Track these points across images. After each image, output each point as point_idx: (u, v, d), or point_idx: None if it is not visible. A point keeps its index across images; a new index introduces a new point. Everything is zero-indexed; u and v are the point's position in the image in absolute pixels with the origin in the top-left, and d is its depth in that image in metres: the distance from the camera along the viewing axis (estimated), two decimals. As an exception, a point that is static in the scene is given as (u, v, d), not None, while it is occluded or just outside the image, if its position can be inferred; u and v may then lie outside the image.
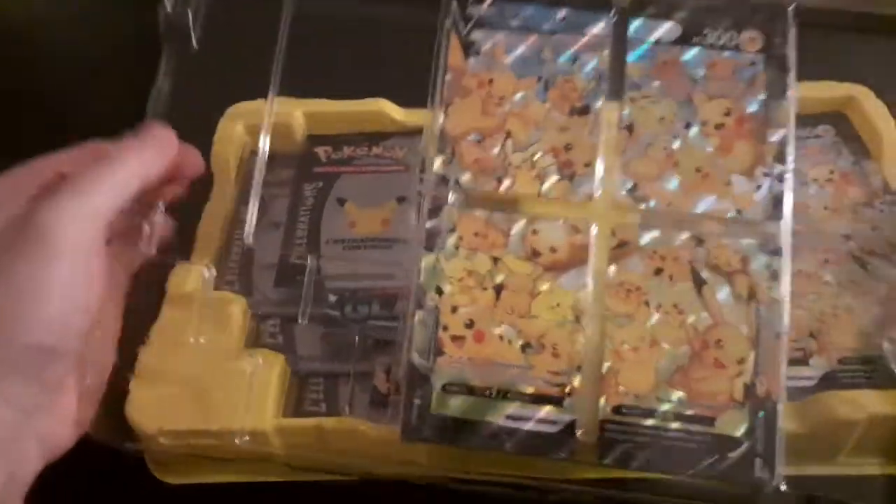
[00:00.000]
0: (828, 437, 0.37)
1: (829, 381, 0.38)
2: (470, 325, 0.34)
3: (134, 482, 0.39)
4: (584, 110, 0.36)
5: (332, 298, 0.41)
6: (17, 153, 0.53)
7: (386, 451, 0.37)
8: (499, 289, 0.35)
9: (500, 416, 0.33)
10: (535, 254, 0.35)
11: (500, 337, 0.34)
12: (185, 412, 0.36)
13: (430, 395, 0.34)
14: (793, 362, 0.39)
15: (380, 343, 0.40)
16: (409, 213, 0.39)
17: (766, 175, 0.36)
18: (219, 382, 0.37)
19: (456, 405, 0.34)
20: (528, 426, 0.33)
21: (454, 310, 0.35)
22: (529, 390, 0.34)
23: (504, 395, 0.34)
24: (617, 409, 0.34)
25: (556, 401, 0.33)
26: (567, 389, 0.34)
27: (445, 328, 0.34)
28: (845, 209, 0.45)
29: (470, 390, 0.34)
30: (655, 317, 0.35)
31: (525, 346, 0.34)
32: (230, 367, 0.38)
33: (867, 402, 0.36)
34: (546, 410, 0.33)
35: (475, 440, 0.33)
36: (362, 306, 0.41)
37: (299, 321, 0.41)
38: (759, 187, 0.36)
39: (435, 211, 0.35)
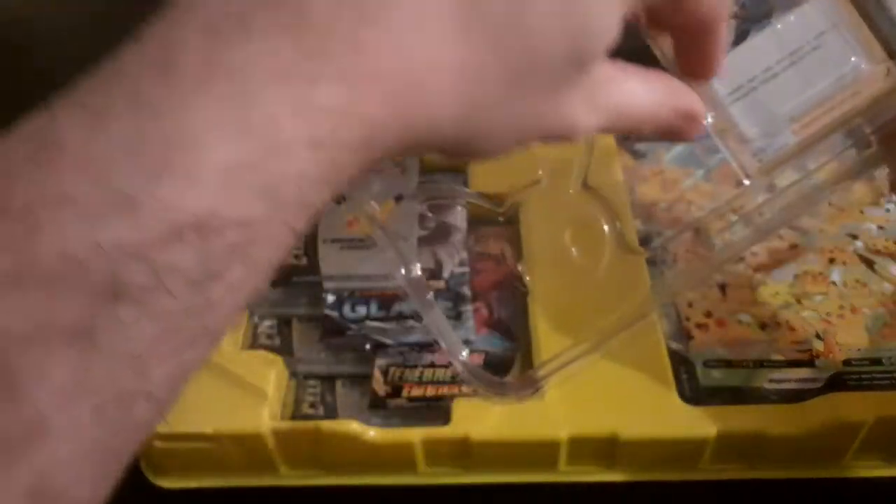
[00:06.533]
0: (834, 438, 0.36)
1: (835, 383, 0.38)
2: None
3: (129, 485, 0.38)
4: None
5: (330, 299, 0.41)
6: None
7: (384, 454, 0.36)
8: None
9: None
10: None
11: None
12: (180, 415, 0.36)
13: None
14: (798, 363, 0.39)
15: (378, 344, 0.40)
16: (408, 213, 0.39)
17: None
18: (215, 384, 0.37)
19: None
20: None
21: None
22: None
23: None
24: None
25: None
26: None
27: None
28: (852, 208, 0.45)
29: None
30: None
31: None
32: (227, 368, 0.37)
33: (873, 404, 0.36)
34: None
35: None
36: (360, 306, 0.41)
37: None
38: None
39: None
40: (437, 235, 0.43)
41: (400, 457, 0.36)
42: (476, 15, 0.18)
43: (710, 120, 0.28)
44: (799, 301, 0.41)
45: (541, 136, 0.22)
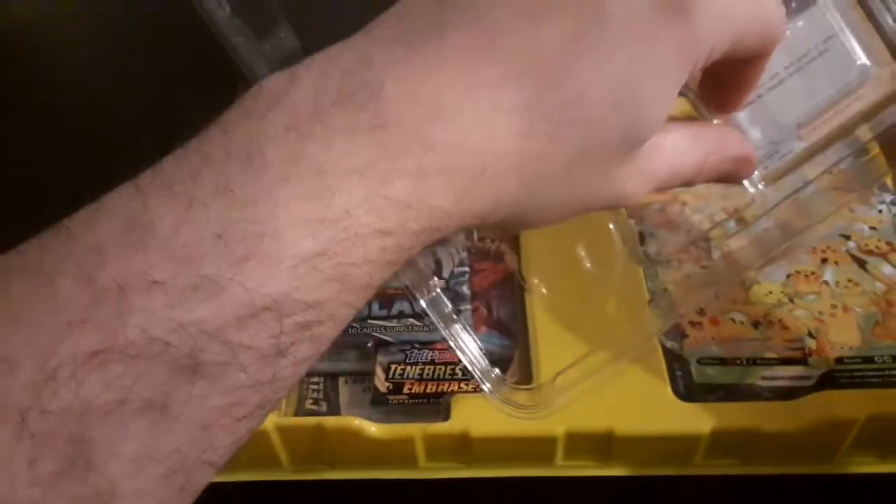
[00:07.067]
0: (826, 436, 0.37)
1: (827, 381, 0.39)
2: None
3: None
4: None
5: (333, 298, 0.42)
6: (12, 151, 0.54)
7: (385, 449, 0.37)
8: None
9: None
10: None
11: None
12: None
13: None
14: (791, 361, 0.39)
15: (379, 342, 0.40)
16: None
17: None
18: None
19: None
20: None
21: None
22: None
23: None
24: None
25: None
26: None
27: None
28: (844, 209, 0.45)
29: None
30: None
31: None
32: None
33: (865, 402, 0.36)
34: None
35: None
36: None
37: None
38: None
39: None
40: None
41: (401, 452, 0.37)
42: (539, 112, 0.19)
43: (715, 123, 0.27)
44: (791, 300, 0.42)
45: (593, 208, 0.23)
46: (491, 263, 0.44)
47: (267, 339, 0.17)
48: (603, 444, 0.37)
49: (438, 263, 0.43)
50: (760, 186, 0.30)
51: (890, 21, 0.28)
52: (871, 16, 0.28)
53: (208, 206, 0.17)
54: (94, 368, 0.16)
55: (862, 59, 0.28)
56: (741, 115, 0.28)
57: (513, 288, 0.43)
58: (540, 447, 0.37)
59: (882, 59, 0.28)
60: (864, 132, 0.29)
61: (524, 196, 0.20)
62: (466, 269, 0.43)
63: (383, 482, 0.38)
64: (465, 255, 0.43)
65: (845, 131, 0.29)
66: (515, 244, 0.44)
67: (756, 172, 0.29)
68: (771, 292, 0.42)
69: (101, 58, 0.59)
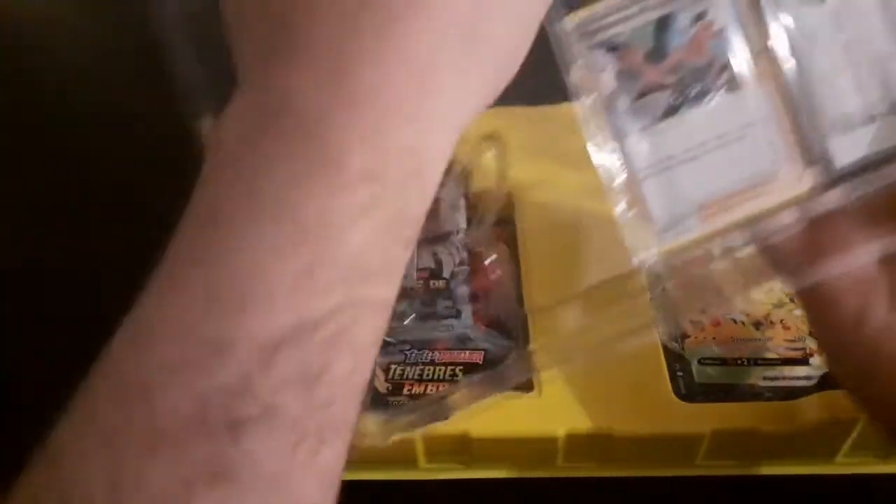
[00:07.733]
0: (826, 436, 0.37)
1: (828, 381, 0.38)
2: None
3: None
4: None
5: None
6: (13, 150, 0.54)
7: (385, 450, 0.37)
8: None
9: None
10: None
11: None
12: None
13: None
14: (792, 361, 0.39)
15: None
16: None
17: None
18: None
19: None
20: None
21: None
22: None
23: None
24: None
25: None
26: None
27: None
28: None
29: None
30: None
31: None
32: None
33: (866, 402, 0.36)
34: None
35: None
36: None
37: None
38: None
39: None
40: (437, 235, 0.44)
41: (401, 452, 0.37)
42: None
43: (616, 185, 0.27)
44: (793, 300, 0.41)
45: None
46: (491, 264, 0.44)
47: (295, 369, 0.17)
48: (603, 444, 0.36)
49: (438, 263, 0.43)
50: (652, 258, 0.29)
51: (812, 126, 0.26)
52: (794, 116, 0.26)
53: (187, 278, 0.17)
54: (144, 459, 0.16)
55: (777, 155, 0.27)
56: (646, 183, 0.27)
57: (513, 288, 0.43)
58: (540, 448, 0.37)
59: (798, 160, 0.27)
60: (744, 234, 0.28)
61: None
62: (466, 268, 0.43)
63: (383, 483, 0.38)
64: (465, 255, 0.43)
65: (742, 225, 0.28)
66: (514, 244, 0.44)
67: (649, 245, 0.28)
68: (772, 292, 0.42)
69: (90, 62, 0.58)
